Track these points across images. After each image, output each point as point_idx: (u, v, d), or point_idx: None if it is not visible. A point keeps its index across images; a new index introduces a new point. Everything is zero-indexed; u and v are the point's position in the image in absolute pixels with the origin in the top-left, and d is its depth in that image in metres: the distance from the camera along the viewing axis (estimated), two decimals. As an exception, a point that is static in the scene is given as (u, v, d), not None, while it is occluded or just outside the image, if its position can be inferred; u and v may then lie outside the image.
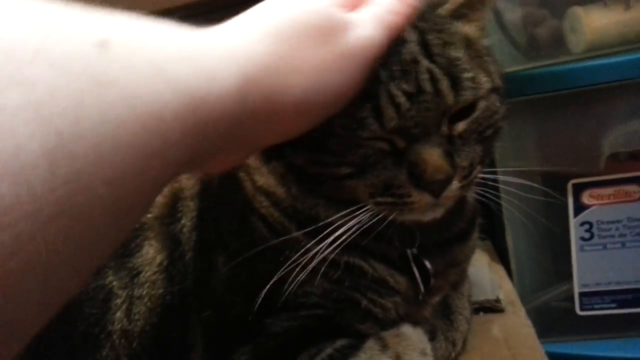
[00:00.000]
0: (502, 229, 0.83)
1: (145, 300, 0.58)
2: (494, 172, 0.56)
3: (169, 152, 0.29)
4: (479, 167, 0.50)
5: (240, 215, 0.58)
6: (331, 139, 0.47)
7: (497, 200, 0.56)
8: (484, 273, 0.76)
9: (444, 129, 0.47)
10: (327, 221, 0.50)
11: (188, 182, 0.62)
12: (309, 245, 0.51)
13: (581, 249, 0.77)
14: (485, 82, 0.48)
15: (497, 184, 0.57)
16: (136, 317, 0.58)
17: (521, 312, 0.70)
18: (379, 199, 0.48)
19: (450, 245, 0.60)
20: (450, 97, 0.45)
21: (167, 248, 0.59)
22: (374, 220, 0.49)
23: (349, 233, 0.48)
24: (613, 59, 0.68)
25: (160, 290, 0.58)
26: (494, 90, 0.49)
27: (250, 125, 0.36)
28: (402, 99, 0.45)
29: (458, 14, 0.50)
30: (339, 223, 0.49)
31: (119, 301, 0.59)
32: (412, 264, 0.56)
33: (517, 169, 0.65)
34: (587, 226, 0.76)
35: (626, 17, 0.69)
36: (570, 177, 0.75)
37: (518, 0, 0.76)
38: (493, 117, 0.50)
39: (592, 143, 0.73)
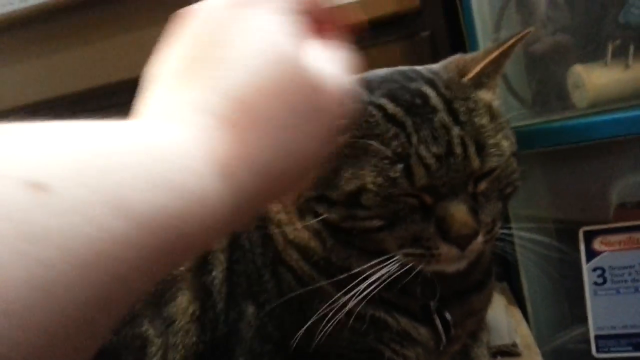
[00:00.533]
0: (517, 272, 0.86)
1: (179, 348, 0.62)
2: (509, 227, 0.59)
3: (138, 282, 0.24)
4: (499, 223, 0.54)
5: (269, 267, 0.62)
6: (364, 195, 0.51)
7: (512, 250, 0.60)
8: (501, 317, 0.79)
9: (470, 188, 0.52)
10: (357, 270, 0.54)
11: None
12: (337, 295, 0.54)
13: (595, 293, 0.80)
14: (507, 147, 0.53)
15: (511, 237, 0.60)
16: None
17: (537, 356, 0.73)
18: (408, 250, 0.52)
19: (468, 295, 0.63)
20: (477, 162, 0.51)
21: (199, 298, 0.63)
22: (402, 270, 0.52)
23: (378, 282, 0.52)
24: (615, 115, 0.72)
25: (194, 339, 0.62)
26: (513, 154, 0.55)
27: (246, 213, 0.30)
28: (432, 161, 0.50)
29: (478, 83, 0.55)
30: (368, 273, 0.53)
31: (154, 349, 0.63)
32: (435, 316, 0.60)
33: (530, 222, 0.68)
34: (599, 271, 0.79)
35: (626, 76, 0.73)
36: (581, 224, 0.78)
37: (521, 57, 0.81)
38: (512, 177, 0.55)
39: (601, 193, 0.77)
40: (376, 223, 0.52)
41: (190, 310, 0.63)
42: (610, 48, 0.73)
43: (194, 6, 0.35)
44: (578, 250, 0.79)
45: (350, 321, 0.57)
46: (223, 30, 0.32)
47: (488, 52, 0.55)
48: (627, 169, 0.76)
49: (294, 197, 0.58)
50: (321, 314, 0.55)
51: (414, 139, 0.50)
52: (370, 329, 0.58)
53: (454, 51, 0.62)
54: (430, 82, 0.54)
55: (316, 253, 0.59)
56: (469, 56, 0.58)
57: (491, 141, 0.52)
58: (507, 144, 0.53)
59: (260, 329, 0.60)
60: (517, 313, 0.84)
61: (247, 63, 0.30)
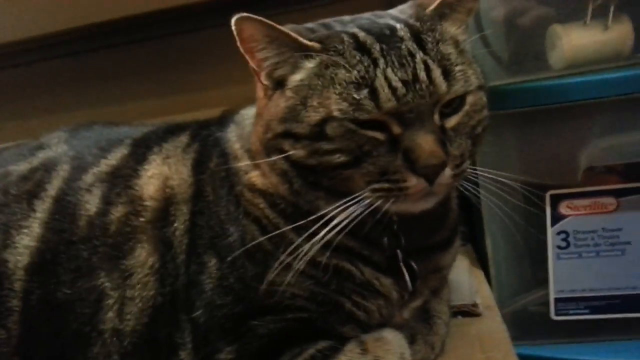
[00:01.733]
0: (482, 234, 0.86)
1: (137, 301, 0.61)
2: (475, 174, 0.58)
3: None
4: (468, 160, 0.54)
5: (233, 221, 0.60)
6: (329, 125, 0.51)
7: (478, 201, 0.59)
8: (464, 278, 0.79)
9: (437, 117, 0.51)
10: (324, 212, 0.53)
11: (181, 187, 0.64)
12: (298, 241, 0.54)
13: (558, 257, 0.80)
14: (473, 78, 0.54)
15: (477, 189, 0.59)
16: (127, 317, 0.61)
17: (497, 317, 0.73)
18: (375, 186, 0.51)
19: (433, 252, 0.64)
20: (443, 87, 0.51)
21: (159, 251, 0.62)
22: (368, 210, 0.52)
23: (344, 223, 0.52)
24: (591, 77, 0.71)
25: (152, 292, 0.61)
26: (480, 87, 0.55)
27: None
28: (398, 84, 0.50)
29: (441, 14, 0.56)
30: (334, 214, 0.52)
31: (110, 301, 0.61)
32: (401, 264, 0.60)
33: (497, 176, 0.67)
34: (563, 235, 0.79)
35: (605, 37, 0.72)
36: (549, 187, 0.78)
37: (501, 15, 0.79)
38: (482, 113, 0.55)
39: (570, 156, 0.76)
40: (341, 158, 0.51)
41: (150, 263, 0.62)
42: (590, 8, 0.72)
43: None
44: (544, 214, 0.79)
45: (313, 271, 0.57)
46: None
47: None
48: (597, 132, 0.75)
49: (262, 134, 0.57)
50: (284, 263, 0.54)
51: (381, 63, 0.50)
52: (332, 279, 0.57)
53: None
54: (397, 18, 0.56)
55: (284, 199, 0.58)
56: None
57: (457, 68, 0.52)
58: (473, 75, 0.54)
59: (221, 280, 0.59)
60: (479, 274, 0.85)
61: None
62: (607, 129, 0.75)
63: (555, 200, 0.78)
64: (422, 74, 0.50)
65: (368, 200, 0.52)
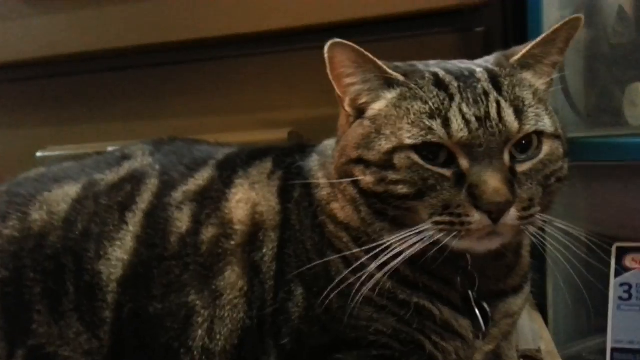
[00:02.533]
0: (543, 278, 0.87)
1: (227, 321, 0.63)
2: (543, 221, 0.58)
3: None
4: (538, 207, 0.54)
5: (318, 252, 0.62)
6: (397, 155, 0.54)
7: (543, 248, 0.60)
8: (525, 321, 0.81)
9: (507, 157, 0.52)
10: (385, 241, 0.54)
11: (269, 214, 0.66)
12: (364, 259, 0.56)
13: (619, 307, 0.81)
14: (548, 122, 0.55)
15: (544, 236, 0.60)
16: (217, 336, 0.63)
17: (559, 362, 0.75)
18: (438, 219, 0.52)
19: (505, 297, 0.65)
20: (514, 125, 0.52)
21: (248, 275, 0.64)
22: (429, 242, 0.53)
23: (406, 253, 0.53)
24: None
25: (241, 314, 0.63)
26: (557, 137, 0.56)
27: None
28: (472, 118, 0.52)
29: (524, 64, 0.58)
30: (394, 243, 0.54)
31: (200, 319, 0.63)
32: (474, 304, 0.61)
33: (566, 227, 0.69)
34: (626, 287, 0.81)
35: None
36: (615, 240, 0.79)
37: (582, 68, 0.80)
38: (557, 163, 0.56)
39: (638, 213, 0.78)
40: (404, 190, 0.53)
41: (239, 285, 0.63)
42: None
43: None
44: (607, 265, 0.81)
45: (396, 308, 0.59)
46: None
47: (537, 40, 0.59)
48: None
49: (337, 159, 0.60)
50: (363, 293, 0.56)
51: (457, 98, 0.53)
52: (414, 317, 0.59)
53: (508, 48, 0.63)
54: (478, 64, 0.59)
55: (358, 230, 0.60)
56: (517, 47, 0.61)
57: (531, 110, 0.54)
58: (549, 120, 0.55)
59: (308, 310, 0.60)
60: (539, 319, 0.86)
61: None
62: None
63: (621, 252, 0.80)
64: (494, 112, 0.52)
65: (430, 233, 0.53)
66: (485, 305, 0.62)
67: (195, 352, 0.63)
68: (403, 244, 0.54)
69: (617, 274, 0.81)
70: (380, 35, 0.98)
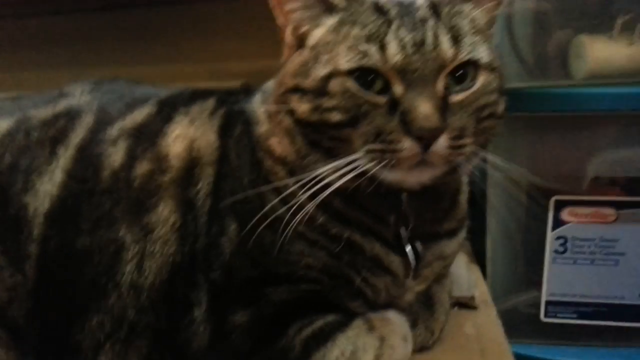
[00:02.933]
0: (482, 231, 0.88)
1: (157, 256, 0.61)
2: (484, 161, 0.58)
3: None
4: (470, 141, 0.53)
5: (254, 186, 0.60)
6: (333, 80, 0.52)
7: (483, 198, 0.60)
8: (462, 271, 0.81)
9: (440, 85, 0.52)
10: (319, 172, 0.54)
11: (206, 150, 0.64)
12: (294, 188, 0.55)
13: (554, 261, 0.82)
14: (485, 53, 0.54)
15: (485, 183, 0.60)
16: (146, 271, 0.61)
17: (492, 312, 0.75)
18: (370, 147, 0.51)
19: (439, 239, 0.65)
20: (449, 52, 0.52)
21: (181, 210, 0.62)
22: (360, 170, 0.52)
23: (337, 184, 0.52)
24: (609, 90, 0.73)
25: (172, 249, 0.61)
26: (493, 69, 0.55)
27: None
28: (408, 43, 0.51)
29: None
30: (327, 173, 0.53)
31: (130, 255, 0.61)
32: (405, 242, 0.61)
33: (506, 168, 0.68)
34: (562, 240, 0.82)
35: (629, 51, 0.74)
36: (554, 193, 0.80)
37: (530, 18, 0.80)
38: (490, 96, 0.55)
39: (579, 165, 0.78)
40: (339, 116, 0.52)
41: (171, 221, 0.61)
42: (618, 22, 0.73)
43: None
44: (545, 218, 0.81)
45: (327, 242, 0.58)
46: None
47: None
48: (606, 144, 0.77)
49: (276, 90, 0.58)
50: (293, 226, 0.55)
51: (395, 23, 0.52)
52: (345, 251, 0.58)
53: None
54: None
55: (293, 163, 0.59)
56: None
57: (467, 38, 0.53)
58: (485, 51, 0.54)
59: (240, 246, 0.59)
60: (476, 270, 0.86)
61: None
62: (615, 142, 0.77)
63: (559, 205, 0.80)
64: (431, 38, 0.52)
65: (361, 162, 0.52)
66: (418, 245, 0.62)
67: (123, 288, 0.61)
68: (334, 173, 0.53)
69: (554, 227, 0.82)
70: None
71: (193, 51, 1.11)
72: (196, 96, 0.72)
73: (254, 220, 0.57)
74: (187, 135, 0.65)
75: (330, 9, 0.56)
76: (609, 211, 0.80)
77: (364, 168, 0.52)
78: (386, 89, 0.52)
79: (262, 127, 0.63)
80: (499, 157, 0.66)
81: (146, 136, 0.66)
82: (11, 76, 1.22)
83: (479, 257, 0.90)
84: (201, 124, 0.66)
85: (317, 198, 0.53)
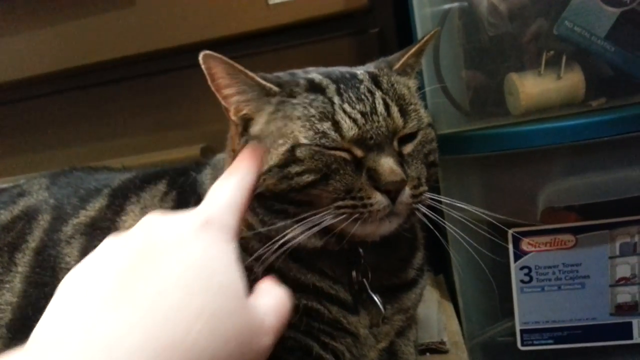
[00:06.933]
0: (449, 267, 0.90)
1: None
2: (438, 202, 0.61)
3: None
4: (426, 188, 0.59)
5: None
6: (298, 149, 0.55)
7: (443, 233, 0.62)
8: (432, 313, 0.83)
9: (395, 144, 0.57)
10: (287, 232, 0.55)
11: None
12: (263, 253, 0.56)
13: (521, 290, 0.84)
14: (424, 116, 0.61)
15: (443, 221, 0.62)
16: None
17: (464, 353, 0.77)
18: (340, 203, 0.55)
19: (398, 292, 0.67)
20: (400, 122, 0.57)
21: None
22: (328, 224, 0.54)
23: (300, 238, 0.55)
24: (548, 125, 0.75)
25: None
26: (430, 124, 0.62)
27: None
28: (357, 116, 0.55)
29: (402, 72, 0.64)
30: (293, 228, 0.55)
31: None
32: (370, 292, 0.63)
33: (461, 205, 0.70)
34: (526, 270, 0.83)
35: (558, 85, 0.76)
36: (511, 226, 0.82)
37: (462, 63, 0.82)
38: (432, 144, 0.62)
39: (530, 197, 0.80)
40: (311, 177, 0.55)
41: None
42: (544, 57, 0.75)
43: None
44: (507, 250, 0.83)
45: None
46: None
47: (408, 49, 0.65)
48: (554, 175, 0.79)
49: None
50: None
51: (336, 100, 0.56)
52: (301, 320, 0.60)
53: (402, 48, 0.67)
54: (359, 68, 0.63)
55: (259, 234, 0.59)
56: (392, 55, 0.66)
57: (410, 107, 0.59)
58: (424, 114, 0.61)
59: None
60: (449, 308, 0.88)
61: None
62: (564, 172, 0.79)
63: (517, 237, 0.82)
64: (381, 108, 0.57)
65: (330, 216, 0.54)
66: (377, 297, 0.64)
67: None
68: (299, 231, 0.55)
69: (516, 259, 0.83)
70: (279, 44, 0.99)
71: (153, 122, 1.15)
72: (147, 181, 0.74)
73: None
74: None
75: (267, 94, 0.58)
76: (568, 237, 0.81)
77: (331, 222, 0.55)
78: (349, 152, 0.56)
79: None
80: (454, 197, 0.69)
81: (99, 231, 0.69)
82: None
83: (451, 292, 0.92)
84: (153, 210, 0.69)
85: (273, 264, 0.55)
